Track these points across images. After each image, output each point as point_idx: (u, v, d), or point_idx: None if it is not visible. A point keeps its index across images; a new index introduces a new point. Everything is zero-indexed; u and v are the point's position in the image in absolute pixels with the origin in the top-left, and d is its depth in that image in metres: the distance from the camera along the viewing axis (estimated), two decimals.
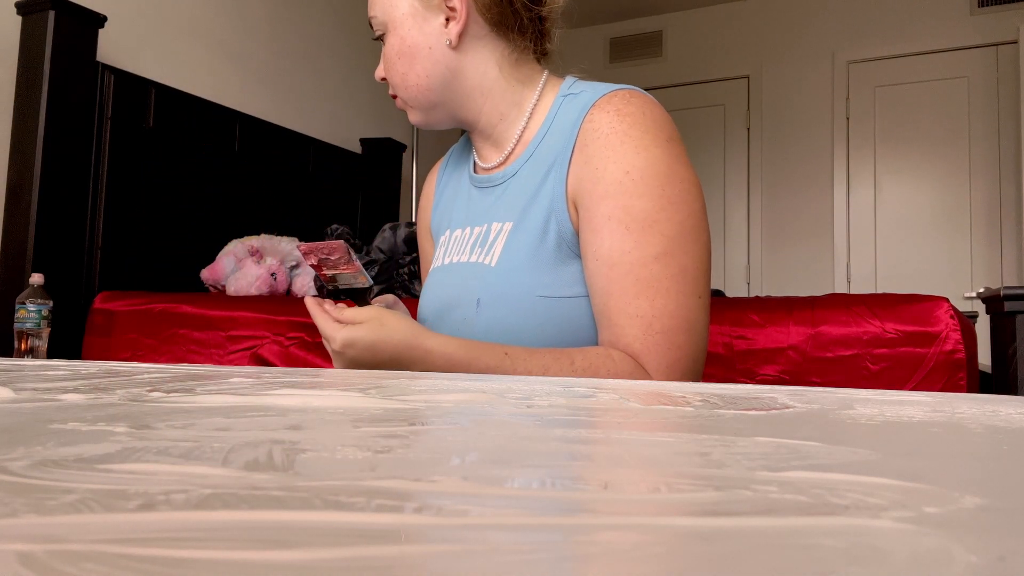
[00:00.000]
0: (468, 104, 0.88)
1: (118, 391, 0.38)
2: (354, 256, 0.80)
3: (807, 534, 0.13)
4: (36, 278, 1.74)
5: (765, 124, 4.14)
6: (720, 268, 4.18)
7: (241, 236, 2.29)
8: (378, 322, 0.74)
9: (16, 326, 1.72)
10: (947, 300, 1.32)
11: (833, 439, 0.27)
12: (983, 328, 1.56)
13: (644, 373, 0.74)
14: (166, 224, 2.29)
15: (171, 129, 2.32)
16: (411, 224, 2.35)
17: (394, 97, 0.91)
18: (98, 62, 2.12)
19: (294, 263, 2.21)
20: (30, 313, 1.72)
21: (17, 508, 0.14)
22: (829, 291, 3.38)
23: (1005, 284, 2.55)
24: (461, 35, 0.84)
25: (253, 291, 2.10)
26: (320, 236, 2.57)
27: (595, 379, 0.64)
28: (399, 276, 2.18)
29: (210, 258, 2.24)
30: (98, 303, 1.95)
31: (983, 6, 3.68)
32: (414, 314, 0.95)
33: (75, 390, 0.38)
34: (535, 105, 0.88)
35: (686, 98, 4.32)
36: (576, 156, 0.80)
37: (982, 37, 3.70)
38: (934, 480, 0.19)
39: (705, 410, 0.35)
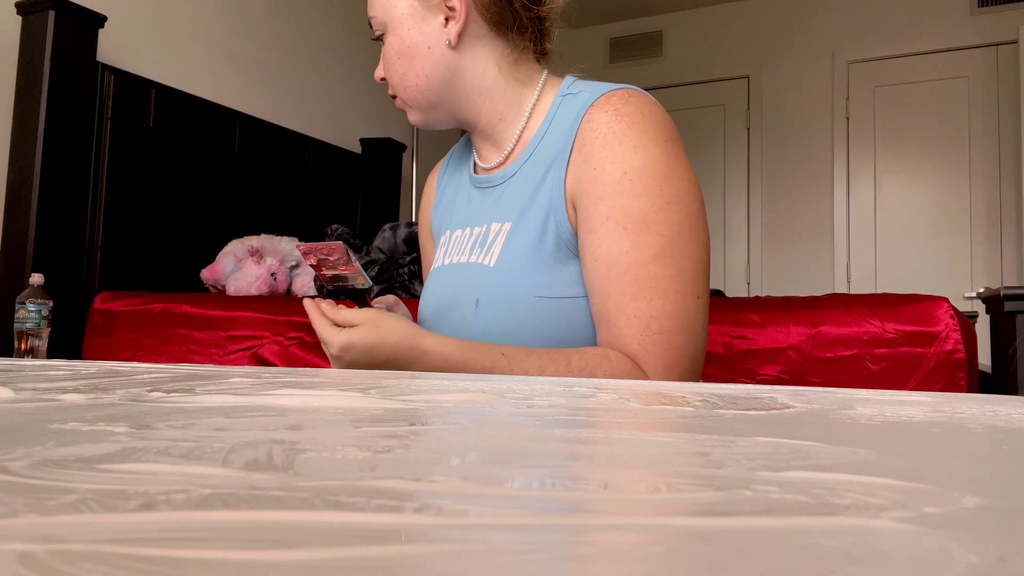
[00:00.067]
0: (467, 104, 0.88)
1: (118, 391, 0.38)
2: (353, 257, 0.80)
3: (807, 534, 0.13)
4: (36, 278, 1.74)
5: (765, 124, 4.14)
6: (720, 268, 4.18)
7: (241, 236, 2.29)
8: (374, 324, 0.74)
9: (16, 326, 1.72)
10: (947, 300, 1.32)
11: (833, 439, 0.27)
12: (983, 328, 1.56)
13: (641, 374, 0.74)
14: (166, 224, 2.29)
15: (171, 129, 2.32)
16: (411, 224, 2.35)
17: (394, 97, 0.91)
18: (98, 62, 2.12)
19: (294, 263, 2.21)
20: (30, 313, 1.72)
21: (17, 508, 0.14)
22: (829, 291, 3.37)
23: (1005, 284, 2.55)
24: (460, 35, 0.84)
25: (253, 291, 2.10)
26: (320, 236, 2.57)
27: (595, 379, 0.64)
28: (399, 276, 2.18)
29: (210, 258, 2.24)
30: (98, 303, 1.95)
31: (983, 6, 3.68)
32: (415, 314, 0.95)
33: (75, 390, 0.37)
34: (534, 105, 0.87)
35: (686, 98, 4.32)
36: (574, 156, 0.80)
37: (982, 37, 3.70)
38: (934, 480, 0.19)
39: (705, 410, 0.35)
